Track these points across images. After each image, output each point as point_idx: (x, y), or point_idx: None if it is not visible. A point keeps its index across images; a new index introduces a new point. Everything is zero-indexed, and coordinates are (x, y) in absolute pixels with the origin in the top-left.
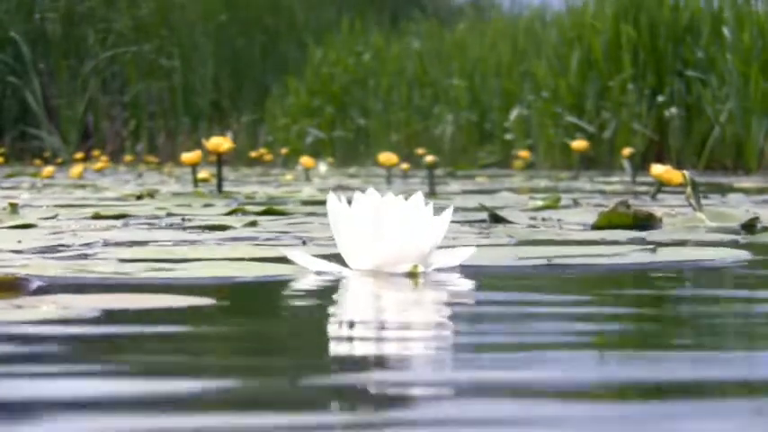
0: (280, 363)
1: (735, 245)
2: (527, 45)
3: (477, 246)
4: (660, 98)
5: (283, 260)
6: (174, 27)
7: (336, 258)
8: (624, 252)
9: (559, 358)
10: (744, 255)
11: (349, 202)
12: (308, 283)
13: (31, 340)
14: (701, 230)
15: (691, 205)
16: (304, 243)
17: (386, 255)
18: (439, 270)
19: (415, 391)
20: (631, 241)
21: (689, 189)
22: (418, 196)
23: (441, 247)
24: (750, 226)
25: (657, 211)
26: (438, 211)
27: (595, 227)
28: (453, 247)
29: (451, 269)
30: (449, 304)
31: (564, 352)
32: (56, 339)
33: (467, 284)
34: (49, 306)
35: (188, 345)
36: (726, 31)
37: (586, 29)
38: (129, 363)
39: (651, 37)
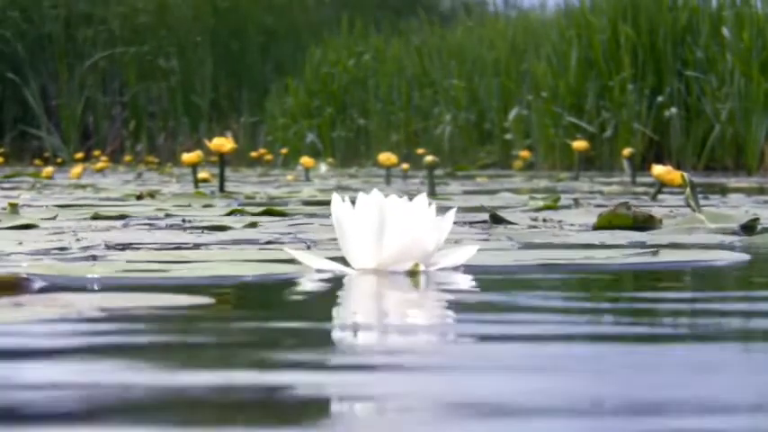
0: (281, 361)
1: (734, 246)
2: (526, 44)
3: (480, 248)
4: (660, 98)
5: (285, 259)
6: (171, 28)
7: (338, 259)
8: (624, 253)
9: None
10: (743, 256)
11: (352, 202)
12: (310, 282)
13: (33, 338)
14: (700, 231)
15: (689, 206)
16: (309, 247)
17: (389, 255)
18: (441, 270)
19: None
20: (631, 243)
21: (688, 190)
22: (422, 197)
23: (443, 248)
24: (750, 227)
25: (657, 213)
26: (440, 211)
27: (595, 228)
28: (455, 246)
29: (454, 268)
30: (449, 302)
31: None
32: (57, 337)
33: (467, 283)
34: (51, 305)
35: (188, 342)
36: (725, 30)
37: (584, 28)
38: (131, 359)
39: (650, 37)
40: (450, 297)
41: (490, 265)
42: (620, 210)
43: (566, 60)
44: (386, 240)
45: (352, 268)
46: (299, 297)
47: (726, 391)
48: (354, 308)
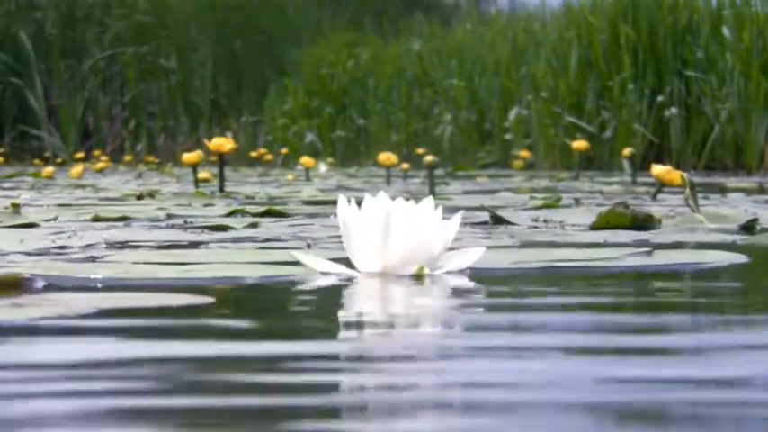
0: (283, 361)
1: (733, 246)
2: (526, 45)
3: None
4: (660, 98)
5: (290, 262)
6: (171, 28)
7: (340, 260)
8: (622, 254)
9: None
10: (741, 257)
11: (358, 204)
12: (314, 284)
13: (37, 338)
14: (699, 231)
15: (689, 206)
16: (309, 246)
17: (395, 258)
18: (447, 273)
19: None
20: (630, 243)
21: (687, 190)
22: (429, 200)
23: (449, 250)
24: (749, 227)
25: (656, 212)
26: (446, 212)
27: (594, 228)
28: (461, 249)
29: (460, 271)
30: (454, 305)
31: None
32: (58, 337)
33: (472, 286)
34: (54, 305)
35: (191, 344)
36: (725, 30)
37: (584, 28)
38: (134, 360)
39: (650, 37)
40: (455, 303)
41: (494, 268)
42: (618, 209)
43: (566, 61)
44: (391, 243)
45: (358, 271)
46: (303, 299)
47: None
48: (358, 312)
